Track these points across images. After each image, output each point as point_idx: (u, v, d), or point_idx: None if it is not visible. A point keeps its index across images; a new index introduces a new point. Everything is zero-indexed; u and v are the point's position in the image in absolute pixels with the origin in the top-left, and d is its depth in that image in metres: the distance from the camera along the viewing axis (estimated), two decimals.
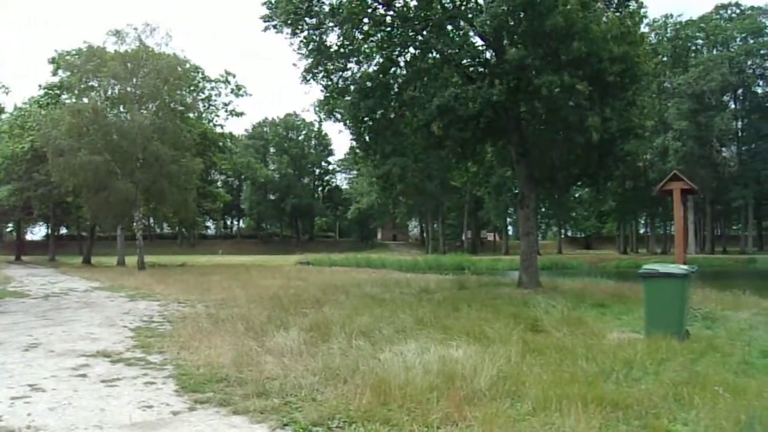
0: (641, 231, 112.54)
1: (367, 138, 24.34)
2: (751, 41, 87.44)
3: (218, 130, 63.01)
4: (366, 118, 23.64)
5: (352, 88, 23.06)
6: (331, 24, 22.39)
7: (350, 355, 9.07)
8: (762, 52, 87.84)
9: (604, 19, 20.75)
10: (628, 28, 21.45)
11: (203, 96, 58.65)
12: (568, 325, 12.18)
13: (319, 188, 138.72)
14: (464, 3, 23.09)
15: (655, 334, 10.59)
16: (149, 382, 8.33)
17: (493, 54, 22.45)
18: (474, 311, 13.99)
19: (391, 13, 22.63)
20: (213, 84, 59.17)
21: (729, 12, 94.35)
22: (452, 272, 38.52)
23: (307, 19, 22.47)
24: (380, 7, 22.56)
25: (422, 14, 22.14)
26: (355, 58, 23.38)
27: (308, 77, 23.38)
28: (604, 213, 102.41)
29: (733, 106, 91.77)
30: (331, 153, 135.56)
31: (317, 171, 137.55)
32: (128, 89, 44.69)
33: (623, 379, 7.93)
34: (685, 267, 12.00)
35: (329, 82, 23.72)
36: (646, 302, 11.39)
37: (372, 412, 6.49)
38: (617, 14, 22.35)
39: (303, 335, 10.65)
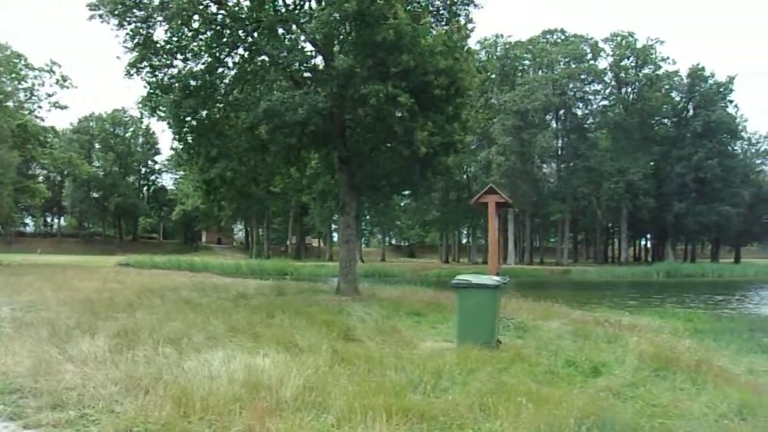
0: (464, 241, 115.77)
1: (189, 139, 23.71)
2: (573, 66, 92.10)
3: (40, 123, 59.93)
4: (189, 118, 23.04)
5: (176, 85, 22.40)
6: (159, 18, 21.68)
7: (155, 363, 8.71)
8: (582, 76, 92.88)
9: (433, 32, 21.16)
10: (455, 43, 21.96)
11: (25, 86, 55.81)
12: (382, 334, 12.21)
13: (145, 188, 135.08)
14: (297, 8, 22.98)
15: (467, 343, 10.73)
16: None
17: (323, 61, 22.44)
18: (288, 318, 13.74)
19: (223, 12, 22.17)
20: (36, 73, 56.35)
21: (555, 37, 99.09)
22: (274, 277, 38.32)
23: (135, 11, 21.66)
24: (212, 5, 22.07)
25: (254, 15, 21.84)
26: (183, 56, 22.76)
27: (132, 72, 22.54)
28: (428, 222, 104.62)
29: (554, 125, 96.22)
30: (158, 152, 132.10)
31: (143, 170, 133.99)
32: None
33: (431, 389, 7.95)
34: (498, 278, 12.29)
35: (154, 78, 22.97)
36: (458, 312, 11.53)
37: (171, 425, 6.24)
38: (445, 28, 22.86)
39: (109, 342, 10.17)
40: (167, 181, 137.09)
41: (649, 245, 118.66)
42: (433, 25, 22.56)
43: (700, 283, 60.60)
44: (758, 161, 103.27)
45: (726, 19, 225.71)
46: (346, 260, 24.15)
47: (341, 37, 21.50)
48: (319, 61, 22.91)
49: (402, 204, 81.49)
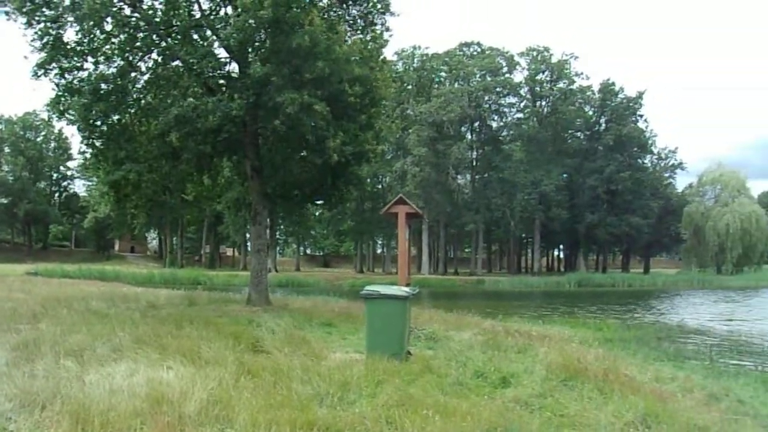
0: (378, 251, 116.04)
1: (98, 143, 23.13)
2: (489, 78, 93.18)
3: None
4: (99, 122, 22.49)
5: (86, 88, 21.82)
6: (70, 19, 21.00)
7: (55, 377, 8.40)
8: (498, 89, 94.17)
9: (348, 40, 21.15)
10: (370, 52, 21.97)
11: None
12: (291, 345, 12.05)
13: (57, 194, 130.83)
14: (212, 13, 22.68)
15: (377, 355, 10.69)
16: None
17: (238, 68, 22.18)
18: (196, 330, 13.43)
19: (137, 15, 21.64)
20: None
21: (471, 50, 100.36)
22: (187, 287, 37.75)
23: (44, 10, 21.00)
24: (126, 7, 21.56)
25: (168, 20, 21.45)
26: (94, 58, 22.19)
27: (40, 73, 21.83)
28: (343, 232, 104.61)
29: (469, 137, 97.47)
30: (70, 157, 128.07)
31: (55, 176, 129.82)
32: None
33: (338, 402, 7.90)
34: (407, 289, 12.25)
35: (63, 81, 22.32)
36: (367, 323, 11.47)
37: None
38: (361, 37, 22.88)
39: (7, 355, 9.83)
40: (80, 187, 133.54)
41: (561, 255, 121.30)
42: (349, 34, 22.56)
43: (611, 293, 62.10)
44: (667, 174, 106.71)
45: (638, 35, 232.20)
46: (257, 270, 23.86)
47: (257, 43, 21.29)
48: (233, 67, 22.65)
49: (317, 213, 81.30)
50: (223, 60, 22.14)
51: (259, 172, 23.28)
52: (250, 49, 21.44)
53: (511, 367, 10.89)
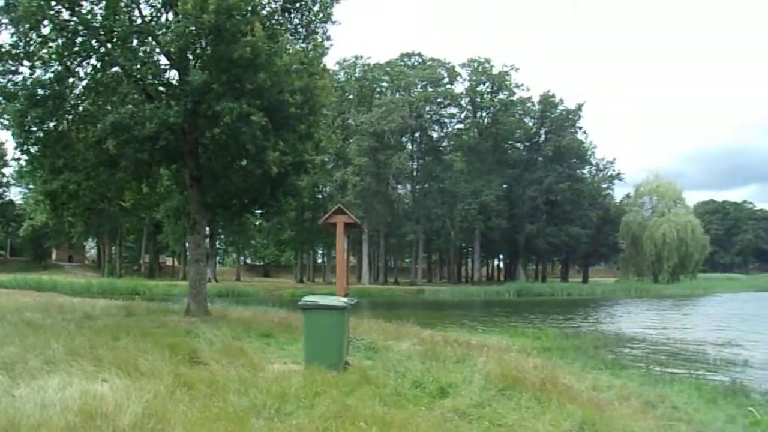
0: (319, 261, 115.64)
1: (34, 150, 22.64)
2: (430, 89, 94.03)
3: None
4: (35, 129, 22.02)
5: (21, 93, 21.33)
6: (5, 21, 20.52)
7: None
8: (438, 100, 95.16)
9: (289, 49, 21.09)
10: (311, 61, 21.94)
11: None
12: (228, 357, 11.91)
13: None
14: (153, 19, 22.39)
15: (315, 366, 10.63)
16: None
17: (177, 75, 21.94)
18: (133, 341, 13.17)
19: (76, 19, 21.21)
20: None
21: (413, 60, 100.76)
22: (125, 297, 37.21)
23: None
24: (64, 11, 21.13)
25: (108, 25, 21.09)
26: (30, 62, 21.71)
27: None
28: (284, 242, 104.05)
29: (410, 147, 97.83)
30: (6, 164, 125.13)
31: None
32: None
33: (275, 413, 7.86)
34: (345, 299, 12.22)
35: None
36: (305, 334, 11.42)
37: None
38: (302, 46, 22.84)
39: None
40: (15, 195, 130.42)
41: (501, 265, 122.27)
42: (291, 43, 22.49)
43: (550, 302, 62.93)
44: (605, 185, 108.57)
45: (582, 47, 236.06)
46: (195, 280, 23.58)
47: (197, 51, 21.10)
48: (174, 75, 22.39)
49: (257, 223, 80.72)
50: (163, 67, 21.90)
51: (198, 181, 23.03)
52: (190, 56, 21.24)
53: (450, 377, 10.92)
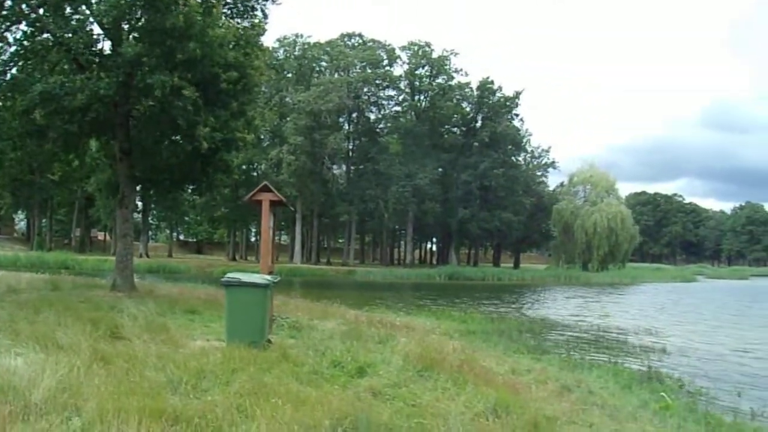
0: (252, 239, 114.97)
1: None
2: (369, 70, 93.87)
3: None
4: None
5: None
6: None
7: None
8: (377, 81, 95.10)
9: (223, 24, 20.91)
10: (247, 38, 21.80)
11: None
12: (150, 333, 11.83)
13: None
14: None
15: (236, 343, 10.64)
16: None
17: (111, 45, 21.55)
18: (54, 315, 12.91)
19: None
20: None
21: (353, 41, 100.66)
22: (54, 271, 36.53)
23: None
24: None
25: None
26: None
27: None
28: (217, 219, 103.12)
29: (346, 127, 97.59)
30: None
31: None
32: None
33: (191, 389, 7.83)
34: (269, 277, 12.25)
35: None
36: (227, 311, 11.39)
37: None
38: (239, 22, 22.66)
39: None
40: None
41: (434, 249, 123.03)
42: (228, 17, 22.30)
43: (481, 286, 63.54)
44: (539, 173, 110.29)
45: (528, 36, 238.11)
46: (122, 255, 23.24)
47: (131, 21, 20.78)
48: (107, 45, 22.00)
49: (191, 199, 79.82)
50: (95, 37, 21.49)
51: (128, 154, 22.68)
52: (125, 27, 20.91)
53: (369, 356, 11.07)
